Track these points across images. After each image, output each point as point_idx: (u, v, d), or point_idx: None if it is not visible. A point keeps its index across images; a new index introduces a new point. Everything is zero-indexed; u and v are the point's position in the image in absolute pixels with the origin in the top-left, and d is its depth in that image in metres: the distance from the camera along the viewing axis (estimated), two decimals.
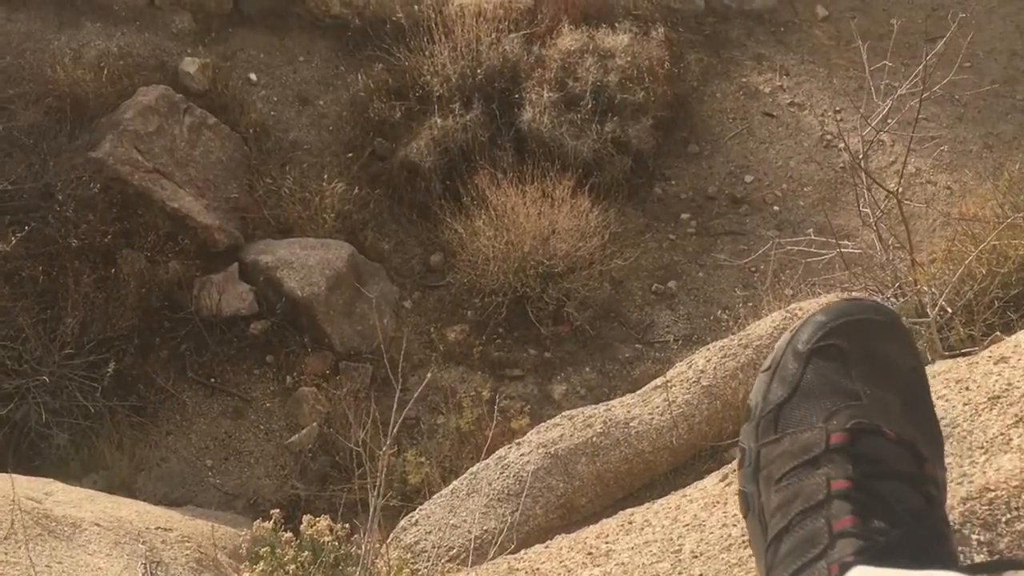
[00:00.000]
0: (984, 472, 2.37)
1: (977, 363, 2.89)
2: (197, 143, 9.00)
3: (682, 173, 9.89)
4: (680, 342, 8.70)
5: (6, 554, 4.27)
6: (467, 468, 7.37)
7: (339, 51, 10.25)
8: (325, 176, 9.08)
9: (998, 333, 5.44)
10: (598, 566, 2.34)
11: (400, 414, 6.13)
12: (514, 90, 9.45)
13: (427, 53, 9.48)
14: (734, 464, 2.67)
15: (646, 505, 2.52)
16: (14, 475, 6.06)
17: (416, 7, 9.82)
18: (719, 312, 8.81)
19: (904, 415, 1.35)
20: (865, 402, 1.33)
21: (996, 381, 2.69)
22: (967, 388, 2.74)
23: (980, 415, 2.63)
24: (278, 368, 8.37)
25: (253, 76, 9.95)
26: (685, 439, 5.55)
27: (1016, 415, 2.54)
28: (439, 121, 9.19)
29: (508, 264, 8.53)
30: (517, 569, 2.41)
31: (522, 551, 2.54)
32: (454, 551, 5.05)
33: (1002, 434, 2.54)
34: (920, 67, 6.17)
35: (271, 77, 10.00)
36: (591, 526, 2.52)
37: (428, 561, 4.90)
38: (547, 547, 2.53)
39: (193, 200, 8.69)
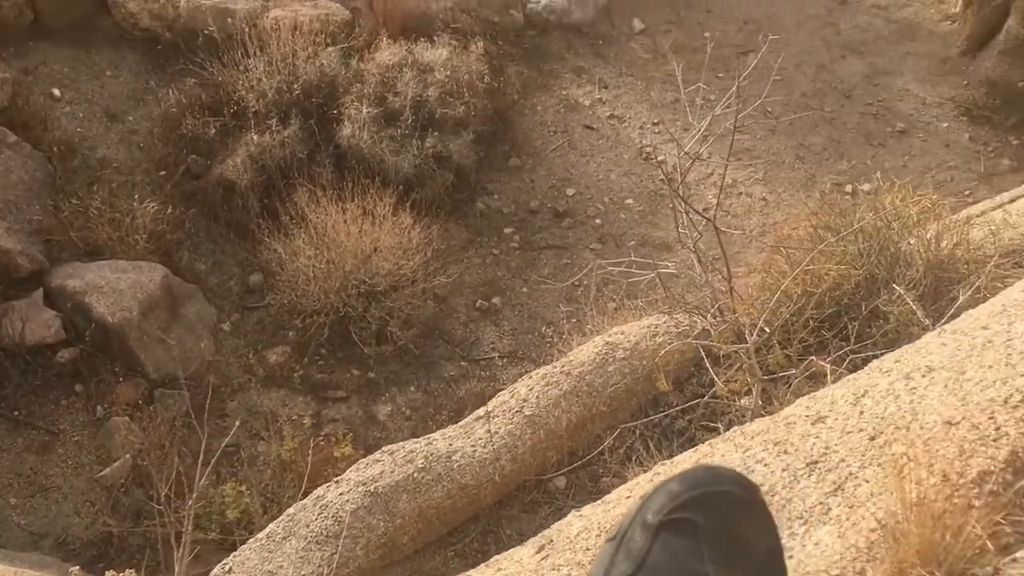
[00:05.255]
0: (804, 545, 2.36)
1: (795, 423, 2.90)
2: None
3: (504, 187, 9.86)
4: (505, 359, 8.66)
5: None
6: (289, 497, 7.20)
7: (149, 65, 9.90)
8: (136, 196, 8.74)
9: (813, 358, 5.56)
10: None
11: (212, 449, 5.94)
12: (332, 105, 9.26)
13: (242, 68, 9.21)
14: (549, 534, 2.61)
15: None
16: None
17: (229, 20, 9.55)
18: (543, 328, 8.81)
19: None
20: None
21: (814, 444, 2.70)
22: (785, 451, 2.74)
23: (799, 482, 2.63)
24: (88, 398, 8.00)
25: (57, 91, 9.50)
26: (509, 471, 5.50)
27: (834, 482, 2.55)
28: (255, 137, 8.94)
29: (329, 283, 8.36)
30: None
31: None
32: None
33: (820, 503, 2.54)
34: (734, 86, 6.25)
35: (76, 92, 9.58)
36: None
37: None
38: None
39: None
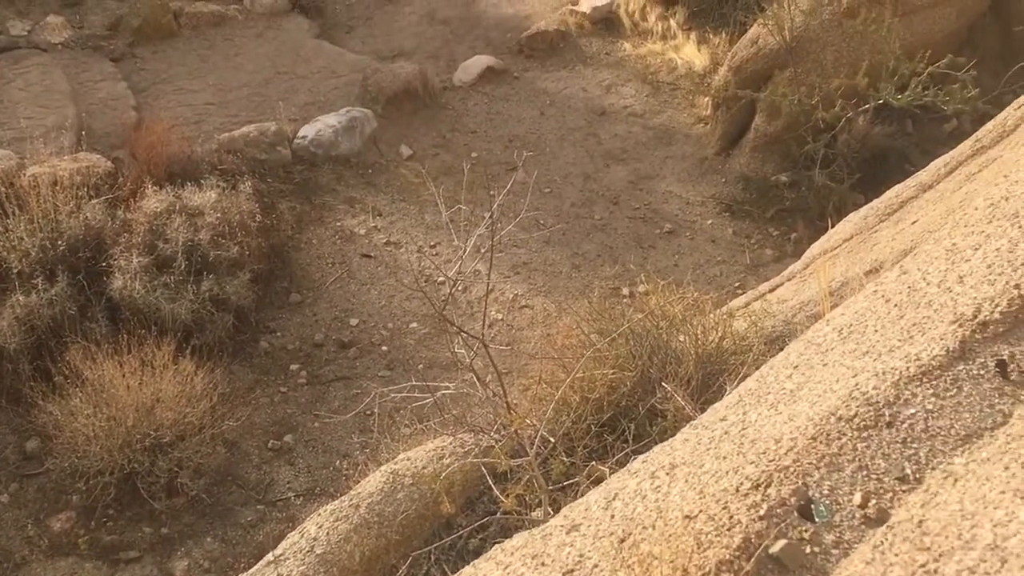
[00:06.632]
0: None
1: (551, 534, 2.93)
2: None
3: (287, 324, 9.81)
4: (303, 498, 8.52)
5: None
6: None
7: None
8: None
9: (595, 463, 5.64)
10: None
11: None
12: (101, 258, 9.09)
13: (1, 228, 8.96)
14: None
15: None
16: None
17: None
18: (338, 461, 8.71)
19: None
20: None
21: (569, 553, 2.74)
22: (543, 564, 2.78)
23: None
24: None
25: None
26: None
27: None
28: (21, 298, 8.67)
29: (112, 441, 8.08)
30: None
31: None
32: None
33: None
34: (493, 206, 6.39)
35: None
36: None
37: None
38: None
39: None
